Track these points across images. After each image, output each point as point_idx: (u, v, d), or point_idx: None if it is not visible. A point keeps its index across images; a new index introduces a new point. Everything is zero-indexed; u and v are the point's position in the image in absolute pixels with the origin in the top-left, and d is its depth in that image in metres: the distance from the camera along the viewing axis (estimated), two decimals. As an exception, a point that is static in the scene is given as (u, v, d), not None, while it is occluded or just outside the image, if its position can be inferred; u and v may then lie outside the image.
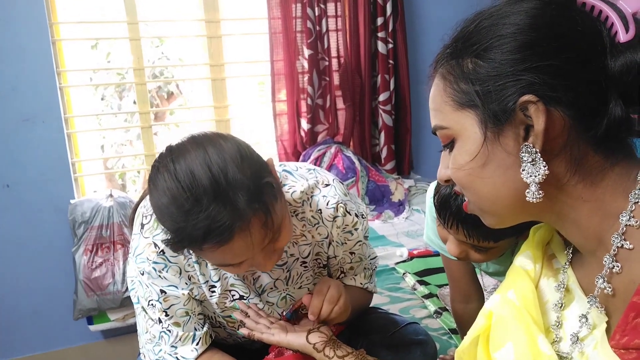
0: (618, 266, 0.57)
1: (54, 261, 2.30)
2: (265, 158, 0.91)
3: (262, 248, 0.86)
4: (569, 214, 0.61)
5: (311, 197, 1.07)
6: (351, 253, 1.14)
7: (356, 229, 1.10)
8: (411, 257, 2.01)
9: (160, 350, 1.01)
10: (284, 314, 1.06)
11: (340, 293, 1.00)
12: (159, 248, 0.97)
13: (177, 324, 1.00)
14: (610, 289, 0.58)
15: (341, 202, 1.07)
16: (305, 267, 1.10)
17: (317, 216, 1.07)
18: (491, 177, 0.60)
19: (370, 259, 1.21)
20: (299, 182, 1.07)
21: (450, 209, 0.96)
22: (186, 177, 0.79)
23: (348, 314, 1.03)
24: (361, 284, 1.18)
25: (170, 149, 0.85)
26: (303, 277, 1.11)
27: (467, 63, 0.60)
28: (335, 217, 1.07)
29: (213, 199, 0.78)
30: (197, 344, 1.01)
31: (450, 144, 0.64)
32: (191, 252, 0.99)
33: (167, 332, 1.00)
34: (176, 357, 1.01)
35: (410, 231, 2.33)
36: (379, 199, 2.60)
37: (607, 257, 0.58)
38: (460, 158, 0.62)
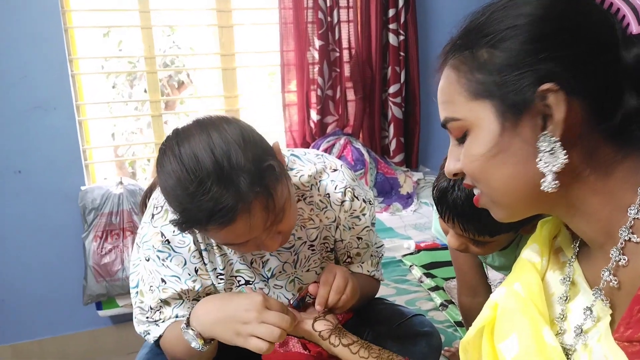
0: (625, 259, 0.58)
1: (64, 247, 2.33)
2: (271, 143, 0.93)
3: (264, 229, 0.87)
4: (579, 206, 0.61)
5: (319, 181, 1.08)
6: (358, 238, 1.15)
7: (364, 214, 1.12)
8: (418, 249, 2.01)
9: (148, 327, 1.05)
10: (291, 302, 1.07)
11: (346, 281, 1.01)
12: (164, 237, 0.99)
13: (167, 303, 1.03)
14: (615, 282, 0.58)
15: (349, 187, 1.09)
16: (313, 250, 1.12)
17: (325, 200, 1.09)
18: (506, 168, 0.60)
19: (377, 247, 1.22)
20: (307, 166, 1.08)
21: (447, 202, 0.97)
22: (190, 161, 0.81)
23: (356, 300, 1.03)
24: (368, 271, 1.19)
25: (176, 132, 0.87)
26: (311, 261, 1.12)
27: (482, 53, 0.59)
28: (343, 202, 1.09)
29: (216, 181, 0.80)
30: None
31: (462, 137, 0.63)
32: (197, 238, 1.01)
33: (154, 316, 1.04)
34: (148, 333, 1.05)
35: (418, 224, 2.33)
36: (387, 191, 2.60)
37: (614, 249, 0.58)
38: (475, 149, 0.61)
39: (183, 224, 0.86)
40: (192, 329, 0.93)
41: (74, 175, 2.34)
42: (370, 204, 1.14)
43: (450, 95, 0.63)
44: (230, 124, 0.87)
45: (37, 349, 2.38)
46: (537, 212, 0.65)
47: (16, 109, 2.20)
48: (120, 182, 2.32)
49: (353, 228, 1.13)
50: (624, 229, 0.58)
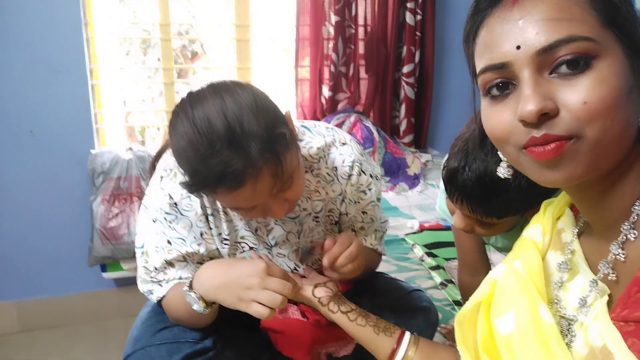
0: (635, 234, 0.58)
1: (72, 208, 2.36)
2: (284, 112, 0.93)
3: (271, 195, 0.88)
4: (627, 173, 0.59)
5: (328, 154, 1.09)
6: (363, 212, 1.15)
7: (370, 189, 1.13)
8: (422, 229, 2.02)
9: (152, 288, 1.07)
10: (300, 249, 1.07)
11: (359, 252, 1.01)
12: (172, 200, 1.00)
13: (171, 265, 1.05)
14: (623, 256, 0.59)
15: (357, 161, 1.09)
16: (317, 221, 1.13)
17: (332, 173, 1.09)
18: (629, 110, 0.55)
19: (381, 222, 1.23)
20: (316, 139, 1.09)
21: (457, 183, 0.96)
22: (203, 123, 0.81)
23: (359, 273, 1.05)
24: (371, 244, 1.20)
25: (190, 95, 0.88)
26: (314, 232, 1.14)
27: None
28: (350, 176, 1.09)
29: (227, 145, 0.80)
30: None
31: (577, 62, 0.54)
32: (204, 203, 1.02)
33: (158, 277, 1.05)
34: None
35: (423, 205, 2.33)
36: (394, 171, 2.60)
37: (626, 223, 0.58)
38: (612, 79, 0.53)
39: (192, 186, 0.87)
40: (195, 292, 0.95)
41: (84, 139, 2.35)
42: (377, 180, 1.14)
43: (575, 14, 0.55)
44: (244, 89, 0.87)
45: (41, 307, 2.42)
46: (603, 172, 0.59)
47: (31, 70, 2.21)
48: (130, 148, 2.33)
49: (359, 202, 1.13)
50: (638, 204, 0.58)
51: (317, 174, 1.09)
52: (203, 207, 1.02)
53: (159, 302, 1.07)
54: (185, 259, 1.04)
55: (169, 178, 1.02)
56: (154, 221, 1.02)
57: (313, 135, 1.09)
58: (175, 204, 1.01)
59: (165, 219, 1.01)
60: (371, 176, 1.12)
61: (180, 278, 1.05)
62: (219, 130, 0.81)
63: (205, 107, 0.83)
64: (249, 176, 0.82)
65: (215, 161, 0.81)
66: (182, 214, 1.02)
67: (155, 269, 1.04)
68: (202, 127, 0.81)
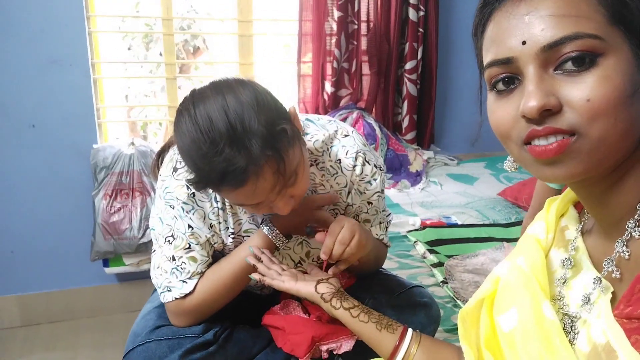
0: (639, 232, 0.57)
1: (74, 203, 2.36)
2: (288, 108, 0.94)
3: (275, 192, 0.90)
4: (633, 170, 0.59)
5: (330, 147, 1.10)
6: (369, 203, 1.16)
7: (375, 179, 1.13)
8: (423, 226, 2.02)
9: (170, 282, 1.04)
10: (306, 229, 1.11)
11: (353, 234, 1.00)
12: (190, 190, 1.01)
13: (193, 259, 1.04)
14: (627, 254, 0.58)
15: (360, 152, 1.11)
16: None
17: (335, 166, 1.10)
18: (634, 110, 0.54)
19: (385, 214, 1.23)
20: (321, 132, 1.09)
21: None
22: (204, 122, 0.83)
23: (364, 252, 1.04)
24: (377, 234, 1.20)
25: (192, 93, 0.90)
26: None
27: None
28: (354, 167, 1.10)
29: (229, 143, 0.82)
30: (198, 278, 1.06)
31: (582, 59, 0.53)
32: (216, 197, 1.04)
33: (180, 269, 1.04)
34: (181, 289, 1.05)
35: (425, 202, 2.32)
36: (396, 168, 2.59)
37: (631, 221, 0.58)
38: (616, 77, 0.53)
39: (198, 184, 0.89)
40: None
41: (86, 133, 2.35)
42: (381, 170, 1.15)
43: (582, 11, 0.54)
44: (245, 86, 0.88)
45: (43, 301, 2.43)
46: (605, 170, 0.58)
47: (32, 63, 2.21)
48: (132, 143, 2.33)
49: (364, 193, 1.14)
50: None
51: (321, 167, 1.10)
52: (215, 200, 1.04)
53: (175, 299, 1.04)
54: (204, 247, 1.05)
55: (184, 169, 1.01)
56: (171, 207, 1.03)
57: (318, 128, 1.10)
58: (193, 194, 1.02)
59: (182, 208, 1.02)
60: (375, 166, 1.13)
61: (201, 273, 1.04)
62: (220, 129, 0.83)
63: (207, 106, 0.85)
64: (251, 174, 0.84)
65: (218, 160, 0.83)
66: (198, 205, 1.03)
67: (174, 258, 1.03)
68: (204, 126, 0.83)
